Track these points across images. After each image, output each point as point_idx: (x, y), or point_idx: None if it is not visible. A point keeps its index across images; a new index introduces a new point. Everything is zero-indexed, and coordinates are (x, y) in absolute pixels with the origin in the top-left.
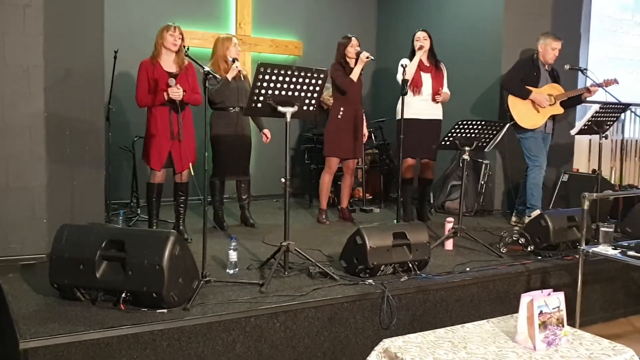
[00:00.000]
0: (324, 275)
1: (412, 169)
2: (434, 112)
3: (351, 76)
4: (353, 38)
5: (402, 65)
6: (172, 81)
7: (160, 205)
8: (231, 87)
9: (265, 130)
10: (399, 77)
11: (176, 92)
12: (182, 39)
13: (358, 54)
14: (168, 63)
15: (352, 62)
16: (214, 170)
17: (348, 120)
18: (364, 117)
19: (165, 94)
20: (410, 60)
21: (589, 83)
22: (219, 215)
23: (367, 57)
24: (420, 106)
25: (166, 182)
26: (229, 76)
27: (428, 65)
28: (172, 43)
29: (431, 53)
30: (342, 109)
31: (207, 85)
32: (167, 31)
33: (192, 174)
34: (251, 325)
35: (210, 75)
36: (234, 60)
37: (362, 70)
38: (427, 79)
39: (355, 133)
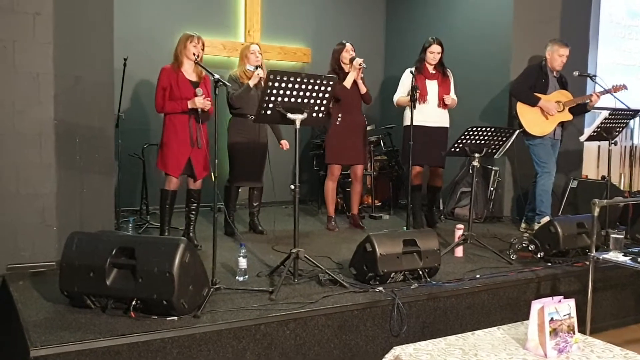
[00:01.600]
0: (334, 283)
1: (421, 176)
2: (441, 119)
3: (344, 83)
4: (347, 44)
5: (410, 72)
6: (199, 91)
7: (172, 212)
8: (251, 94)
9: (283, 141)
10: (404, 88)
11: (202, 102)
12: (203, 49)
13: (352, 60)
14: (189, 72)
15: (347, 68)
16: (230, 176)
17: (347, 127)
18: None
19: (190, 102)
20: (417, 69)
21: (598, 89)
22: (230, 222)
23: (360, 65)
24: (426, 112)
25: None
26: (251, 83)
27: (434, 72)
28: (195, 54)
29: (439, 62)
30: (339, 115)
31: (219, 91)
32: (191, 42)
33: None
34: (261, 332)
35: (234, 78)
36: (256, 68)
37: (362, 78)
38: (432, 86)
39: (356, 139)
